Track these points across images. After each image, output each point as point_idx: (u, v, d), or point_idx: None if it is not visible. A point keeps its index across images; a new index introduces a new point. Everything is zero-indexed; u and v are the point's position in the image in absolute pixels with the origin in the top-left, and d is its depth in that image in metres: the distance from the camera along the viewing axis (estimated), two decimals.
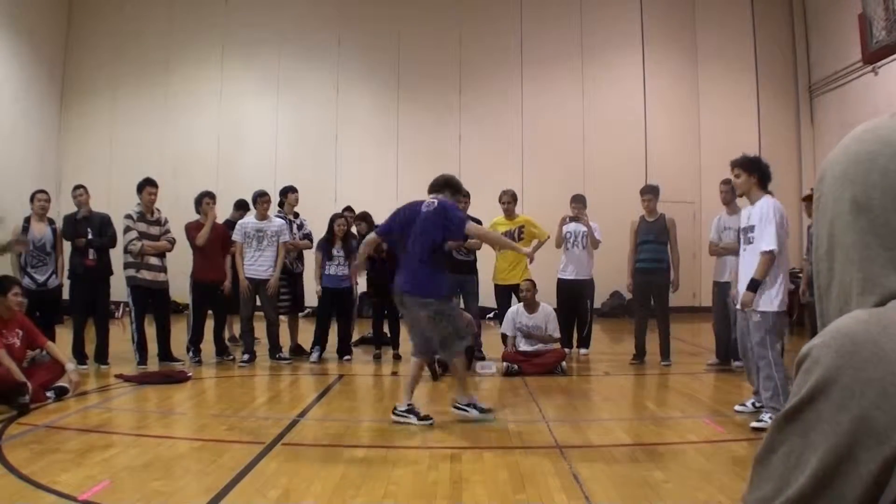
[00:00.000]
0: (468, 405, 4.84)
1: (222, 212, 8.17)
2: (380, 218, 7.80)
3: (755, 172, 4.76)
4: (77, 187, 7.16)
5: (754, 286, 4.65)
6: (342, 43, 13.62)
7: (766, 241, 4.61)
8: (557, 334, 7.11)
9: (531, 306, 7.02)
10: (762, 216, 4.67)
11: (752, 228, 4.77)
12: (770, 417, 4.53)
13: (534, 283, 7.08)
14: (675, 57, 13.71)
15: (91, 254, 6.87)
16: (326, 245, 7.61)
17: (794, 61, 13.66)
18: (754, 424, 4.58)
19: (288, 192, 8.09)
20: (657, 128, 13.57)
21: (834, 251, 0.72)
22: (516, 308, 7.13)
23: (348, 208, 8.49)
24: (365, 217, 7.85)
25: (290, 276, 7.91)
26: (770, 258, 4.61)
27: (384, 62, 13.59)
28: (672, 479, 3.50)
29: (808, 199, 6.74)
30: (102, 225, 7.04)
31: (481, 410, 4.83)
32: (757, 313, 4.67)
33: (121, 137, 13.26)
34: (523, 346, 7.02)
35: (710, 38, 13.62)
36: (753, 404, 5.00)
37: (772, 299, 4.63)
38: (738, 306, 4.92)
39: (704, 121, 13.61)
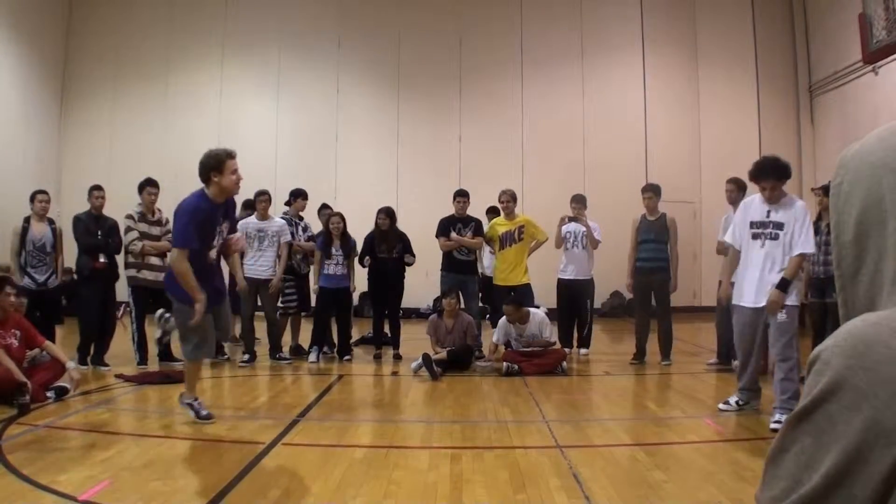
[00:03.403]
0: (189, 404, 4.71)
1: None
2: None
3: (786, 178, 4.73)
4: (97, 188, 7.14)
5: (785, 286, 4.58)
6: (342, 43, 13.62)
7: (807, 243, 4.61)
8: (554, 338, 7.03)
9: (521, 320, 6.92)
10: (799, 217, 4.63)
11: (778, 226, 4.67)
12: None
13: (516, 307, 6.87)
14: (675, 57, 13.71)
15: (101, 257, 6.90)
16: (325, 245, 7.61)
17: (794, 61, 13.66)
18: (774, 426, 4.47)
19: (299, 196, 8.09)
20: (657, 127, 13.57)
21: (865, 239, 0.71)
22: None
23: (325, 206, 8.43)
24: (389, 213, 7.80)
25: (297, 276, 7.92)
26: (803, 260, 4.69)
27: (384, 62, 13.59)
28: (672, 479, 3.50)
29: (822, 190, 6.61)
30: (111, 230, 7.05)
31: (198, 414, 4.66)
32: (783, 313, 4.60)
33: (121, 137, 13.27)
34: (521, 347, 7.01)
35: (710, 37, 13.62)
36: (737, 402, 5.00)
37: (794, 294, 4.64)
38: (750, 304, 4.76)
39: (704, 120, 13.61)
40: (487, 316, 8.33)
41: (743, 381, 4.99)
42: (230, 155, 4.47)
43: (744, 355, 5.01)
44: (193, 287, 4.30)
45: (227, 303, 4.86)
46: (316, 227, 8.44)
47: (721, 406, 5.07)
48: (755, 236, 4.77)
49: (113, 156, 13.07)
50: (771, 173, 4.68)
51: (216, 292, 4.59)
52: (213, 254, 4.61)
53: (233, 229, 4.82)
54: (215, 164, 4.39)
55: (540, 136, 13.42)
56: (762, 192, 4.75)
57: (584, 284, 7.88)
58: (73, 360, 5.86)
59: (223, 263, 7.74)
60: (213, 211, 4.43)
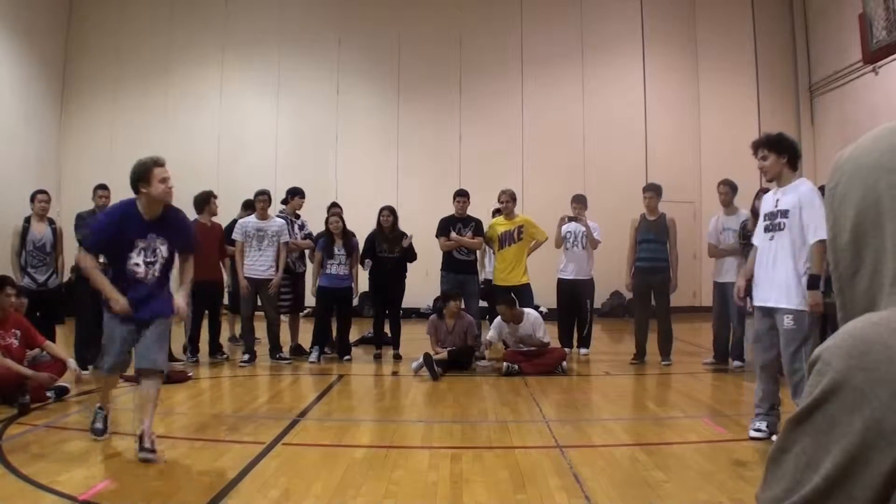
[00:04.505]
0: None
1: (225, 211, 8.14)
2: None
3: (785, 152, 4.18)
4: (101, 187, 7.14)
5: (815, 282, 4.05)
6: (342, 43, 13.62)
7: (819, 229, 3.96)
8: (548, 339, 6.98)
9: (515, 320, 6.89)
10: (806, 202, 4.06)
11: (784, 213, 4.15)
12: None
13: (509, 307, 6.83)
14: (675, 57, 13.71)
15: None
16: (327, 244, 7.61)
17: (794, 61, 13.66)
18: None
19: (295, 194, 8.07)
20: (657, 128, 13.57)
21: (863, 240, 0.71)
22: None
23: (334, 204, 8.31)
24: (393, 211, 7.79)
25: (292, 275, 7.90)
26: (824, 248, 3.87)
27: (384, 62, 13.59)
28: (672, 479, 3.50)
29: (821, 190, 6.55)
30: None
31: (93, 425, 4.26)
32: (790, 318, 4.06)
33: (121, 137, 13.24)
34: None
35: (710, 37, 13.62)
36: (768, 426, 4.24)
37: (801, 296, 4.05)
38: (759, 303, 4.28)
39: (704, 121, 13.61)
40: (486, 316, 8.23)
41: (764, 395, 4.27)
42: (157, 163, 4.16)
43: (766, 375, 4.24)
44: (103, 285, 4.04)
45: (157, 329, 4.15)
46: (314, 225, 8.42)
47: (753, 434, 4.29)
48: (766, 229, 4.28)
49: (113, 156, 13.03)
50: (764, 142, 4.23)
51: (142, 308, 4.10)
52: (150, 274, 4.15)
53: (181, 250, 4.40)
54: (142, 174, 4.08)
55: (540, 136, 13.42)
56: (759, 167, 4.30)
57: (584, 284, 7.88)
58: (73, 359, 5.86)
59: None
60: (136, 221, 4.11)
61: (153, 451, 3.82)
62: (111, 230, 4.12)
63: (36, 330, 5.64)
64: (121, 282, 4.09)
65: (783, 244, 4.15)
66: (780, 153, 4.19)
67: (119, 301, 3.99)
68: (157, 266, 4.17)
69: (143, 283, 4.11)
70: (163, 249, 4.18)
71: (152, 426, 3.95)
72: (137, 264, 4.09)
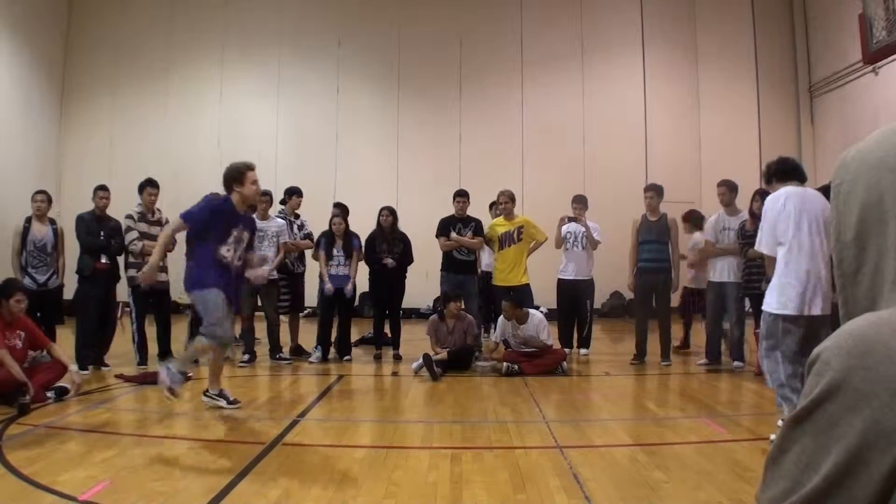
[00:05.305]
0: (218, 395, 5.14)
1: None
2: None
3: (772, 177, 4.55)
4: (101, 188, 7.14)
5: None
6: (342, 43, 13.62)
7: (757, 240, 4.47)
8: (550, 341, 6.98)
9: (519, 319, 6.90)
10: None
11: None
12: None
13: (514, 305, 6.85)
14: (676, 57, 13.71)
15: (103, 257, 6.90)
16: (328, 243, 7.61)
17: (794, 61, 13.66)
18: None
19: (293, 194, 8.07)
20: (657, 128, 13.57)
21: (866, 238, 0.72)
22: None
23: (337, 205, 8.21)
24: (392, 211, 7.80)
25: (291, 276, 7.89)
26: (766, 259, 4.47)
27: (384, 62, 13.59)
28: (672, 479, 3.50)
29: (821, 191, 6.57)
30: (113, 231, 7.04)
31: (229, 401, 5.12)
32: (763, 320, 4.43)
33: (121, 137, 13.26)
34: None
35: (710, 38, 13.62)
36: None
37: (767, 298, 4.35)
38: None
39: (704, 121, 13.60)
40: (485, 327, 8.31)
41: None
42: (249, 167, 5.02)
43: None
44: (155, 260, 4.92)
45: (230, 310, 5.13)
46: (315, 225, 8.40)
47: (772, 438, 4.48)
48: None
49: (113, 156, 13.07)
50: (763, 177, 4.75)
51: (228, 290, 4.91)
52: (234, 259, 4.96)
53: (250, 245, 5.25)
54: (236, 176, 4.95)
55: (540, 136, 13.42)
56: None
57: (585, 284, 7.87)
58: (75, 362, 5.87)
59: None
60: (232, 213, 4.92)
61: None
62: (211, 214, 4.84)
63: (41, 332, 5.65)
64: (209, 268, 4.80)
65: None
66: (769, 181, 4.60)
67: (144, 274, 4.91)
68: (240, 252, 4.97)
69: (229, 270, 4.89)
70: (245, 237, 5.01)
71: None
72: (228, 249, 4.85)
